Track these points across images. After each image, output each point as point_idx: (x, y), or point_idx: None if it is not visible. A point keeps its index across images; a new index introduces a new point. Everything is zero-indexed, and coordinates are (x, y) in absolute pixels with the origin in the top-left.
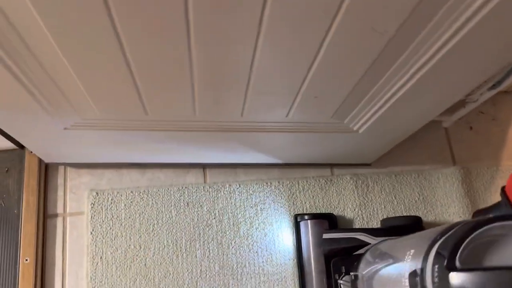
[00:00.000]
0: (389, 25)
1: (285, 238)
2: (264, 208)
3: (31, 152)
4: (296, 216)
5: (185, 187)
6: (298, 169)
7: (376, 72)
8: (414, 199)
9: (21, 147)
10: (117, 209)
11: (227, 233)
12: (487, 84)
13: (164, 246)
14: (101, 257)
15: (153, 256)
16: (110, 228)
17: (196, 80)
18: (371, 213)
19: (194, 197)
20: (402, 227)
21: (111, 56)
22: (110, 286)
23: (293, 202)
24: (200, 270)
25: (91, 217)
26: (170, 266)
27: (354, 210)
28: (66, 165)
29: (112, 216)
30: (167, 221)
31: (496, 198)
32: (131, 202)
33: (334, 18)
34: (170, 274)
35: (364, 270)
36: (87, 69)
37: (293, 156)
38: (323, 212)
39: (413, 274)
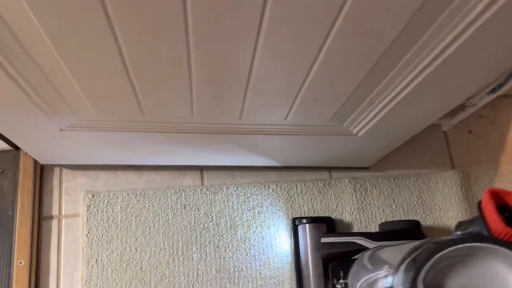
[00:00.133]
0: (389, 29)
1: (282, 242)
2: (261, 211)
3: (26, 153)
4: (294, 220)
5: (182, 190)
6: (296, 172)
7: (376, 76)
8: (413, 203)
9: (16, 148)
10: (113, 212)
11: (224, 236)
12: (486, 88)
13: (161, 249)
14: (96, 260)
15: (149, 259)
16: (106, 231)
17: (194, 80)
18: (370, 217)
19: (191, 200)
20: (400, 231)
21: (107, 56)
22: None
23: (291, 205)
24: (197, 273)
25: (87, 219)
26: (167, 269)
27: (353, 213)
28: (61, 166)
29: (108, 219)
30: (164, 224)
31: None
32: (127, 204)
33: (334, 21)
34: (166, 277)
35: (351, 279)
36: (83, 69)
37: (291, 159)
38: (321, 215)
39: None
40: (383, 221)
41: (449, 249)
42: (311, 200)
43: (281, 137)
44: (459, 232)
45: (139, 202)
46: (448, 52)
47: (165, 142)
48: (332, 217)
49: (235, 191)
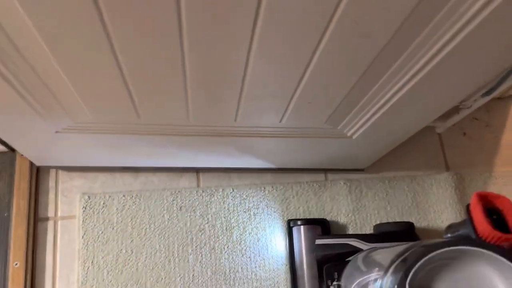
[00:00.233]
0: (382, 33)
1: (278, 244)
2: (257, 213)
3: (22, 155)
4: (289, 221)
5: (178, 191)
6: (291, 174)
7: (369, 79)
8: (407, 204)
9: (12, 150)
10: (109, 213)
11: (220, 238)
12: (480, 91)
13: (156, 250)
14: (92, 262)
15: (145, 260)
16: (102, 232)
17: (189, 83)
18: (364, 219)
19: (187, 202)
20: (395, 233)
21: (102, 58)
22: None
23: (286, 207)
24: (193, 275)
25: (83, 221)
26: (162, 271)
27: (348, 215)
28: (57, 168)
29: (104, 220)
30: (160, 226)
31: None
32: (123, 206)
33: (328, 25)
34: (162, 279)
35: (345, 280)
36: (78, 72)
37: (287, 161)
38: (317, 217)
39: None
40: (378, 222)
41: (437, 252)
42: (307, 201)
43: (276, 139)
44: (449, 235)
45: (135, 204)
46: (441, 55)
47: (161, 144)
48: (328, 218)
49: (231, 192)
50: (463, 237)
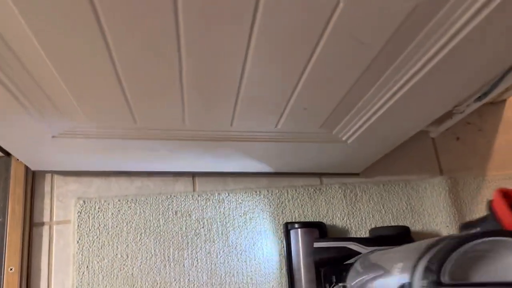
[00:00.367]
0: (376, 40)
1: (274, 247)
2: (253, 217)
3: (18, 159)
4: (286, 224)
5: (174, 196)
6: (287, 178)
7: (363, 85)
8: (402, 208)
9: (8, 154)
10: (104, 218)
11: (216, 242)
12: (473, 96)
13: (152, 255)
14: (87, 267)
15: (140, 265)
16: (97, 237)
17: (185, 88)
18: (360, 222)
19: (182, 206)
20: (391, 236)
21: (99, 64)
22: None
23: (282, 211)
24: (188, 279)
25: (78, 225)
26: (158, 275)
27: (343, 219)
28: (53, 172)
29: (99, 225)
30: (155, 230)
31: (483, 207)
32: (119, 210)
33: (322, 33)
34: (157, 283)
35: (352, 281)
36: (75, 76)
37: (282, 165)
38: (312, 221)
39: None
40: (373, 226)
41: (473, 242)
42: (302, 205)
43: (272, 143)
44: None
45: (130, 208)
46: (434, 62)
47: (157, 149)
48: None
49: (226, 197)
50: (495, 230)
